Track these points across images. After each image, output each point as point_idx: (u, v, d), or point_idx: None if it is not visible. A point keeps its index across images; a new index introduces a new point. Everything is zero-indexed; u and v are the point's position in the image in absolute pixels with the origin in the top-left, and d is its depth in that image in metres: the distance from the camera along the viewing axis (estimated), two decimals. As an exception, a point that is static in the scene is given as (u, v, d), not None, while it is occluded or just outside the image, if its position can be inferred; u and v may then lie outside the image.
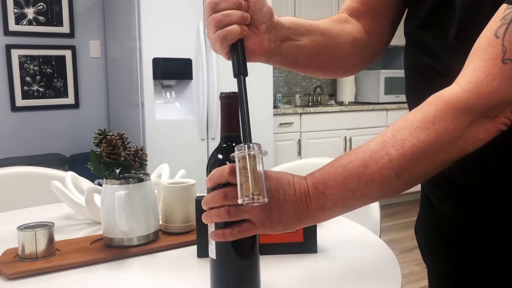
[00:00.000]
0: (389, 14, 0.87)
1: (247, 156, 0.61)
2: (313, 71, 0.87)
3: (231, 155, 0.62)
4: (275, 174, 0.65)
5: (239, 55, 0.68)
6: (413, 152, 0.60)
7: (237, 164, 0.61)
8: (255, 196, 0.59)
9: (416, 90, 0.82)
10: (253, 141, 0.62)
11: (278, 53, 0.76)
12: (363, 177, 0.61)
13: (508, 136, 0.62)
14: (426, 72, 0.78)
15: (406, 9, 0.85)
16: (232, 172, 0.63)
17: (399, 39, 0.89)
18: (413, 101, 0.84)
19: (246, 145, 0.61)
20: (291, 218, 0.64)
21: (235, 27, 0.67)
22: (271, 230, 0.64)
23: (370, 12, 0.87)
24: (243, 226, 0.64)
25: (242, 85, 0.66)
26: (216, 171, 0.65)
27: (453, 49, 0.71)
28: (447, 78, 0.64)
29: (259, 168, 0.61)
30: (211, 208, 0.65)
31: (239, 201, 0.60)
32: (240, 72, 0.67)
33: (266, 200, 0.60)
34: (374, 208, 1.21)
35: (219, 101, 0.73)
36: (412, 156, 0.60)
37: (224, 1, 0.67)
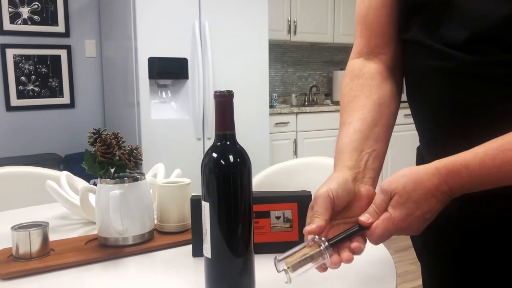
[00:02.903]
0: (397, 33, 0.85)
1: (319, 249, 0.65)
2: None
3: (318, 237, 0.66)
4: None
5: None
6: None
7: (308, 243, 0.66)
8: (288, 269, 0.64)
9: (419, 94, 0.81)
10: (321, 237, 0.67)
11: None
12: None
13: None
14: (434, 75, 0.76)
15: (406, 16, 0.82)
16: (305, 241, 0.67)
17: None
18: (416, 105, 0.83)
19: (327, 244, 0.65)
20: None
21: None
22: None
23: (388, 42, 0.85)
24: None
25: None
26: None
27: (464, 50, 0.70)
28: (460, 78, 0.63)
29: (310, 264, 0.65)
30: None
31: (279, 257, 0.65)
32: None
33: (285, 276, 0.64)
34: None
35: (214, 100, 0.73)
36: None
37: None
